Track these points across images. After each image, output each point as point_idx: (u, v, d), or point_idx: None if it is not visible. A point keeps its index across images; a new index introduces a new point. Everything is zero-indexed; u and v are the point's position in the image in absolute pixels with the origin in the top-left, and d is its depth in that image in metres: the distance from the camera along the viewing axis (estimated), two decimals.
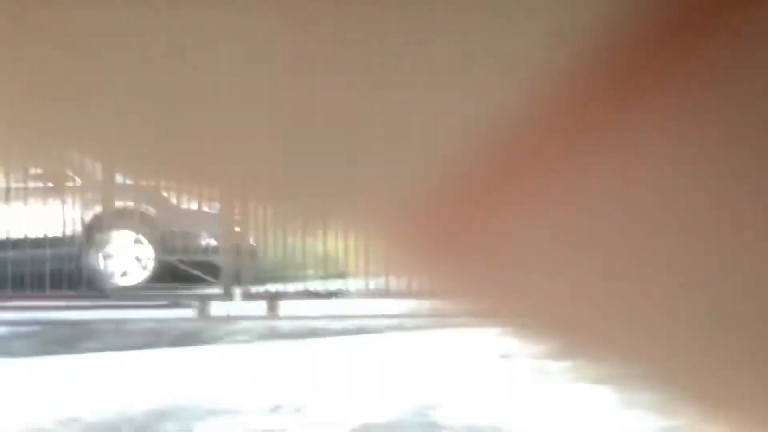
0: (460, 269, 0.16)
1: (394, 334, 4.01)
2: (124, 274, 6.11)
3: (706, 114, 0.14)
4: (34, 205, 5.07)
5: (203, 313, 4.75)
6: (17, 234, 5.01)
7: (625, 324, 0.16)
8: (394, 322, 4.28)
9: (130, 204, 5.36)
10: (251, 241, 4.96)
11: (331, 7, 0.13)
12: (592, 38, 0.13)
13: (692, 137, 0.14)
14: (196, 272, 4.99)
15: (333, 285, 4.92)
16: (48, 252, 4.96)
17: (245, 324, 4.40)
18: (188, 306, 4.83)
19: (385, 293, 4.81)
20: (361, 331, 4.11)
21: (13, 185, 5.08)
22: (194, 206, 5.38)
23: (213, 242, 5.37)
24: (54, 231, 5.10)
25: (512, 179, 0.15)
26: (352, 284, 4.84)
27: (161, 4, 0.13)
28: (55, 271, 4.97)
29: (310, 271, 4.96)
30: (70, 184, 5.51)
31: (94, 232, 5.44)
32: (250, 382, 2.82)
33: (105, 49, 0.14)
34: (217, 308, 4.74)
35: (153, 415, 2.67)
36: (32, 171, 5.36)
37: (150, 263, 5.70)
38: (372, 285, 4.80)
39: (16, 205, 5.08)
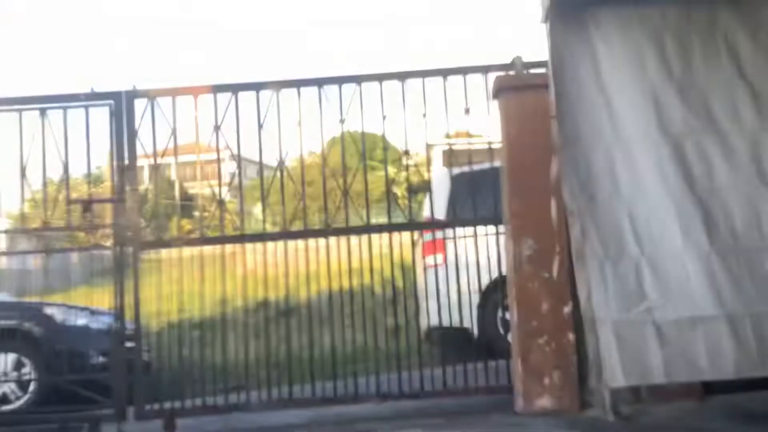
0: None
1: None
2: (4, 398, 5.69)
3: None
4: None
5: None
6: None
7: None
8: None
9: (12, 323, 5.06)
10: (144, 356, 4.74)
11: None
12: None
13: None
14: (84, 392, 4.68)
15: (233, 397, 4.73)
16: None
17: None
18: (77, 429, 4.51)
19: (288, 403, 4.67)
20: None
21: None
22: (81, 322, 5.15)
23: (102, 359, 5.11)
24: None
25: None
26: (254, 395, 4.67)
27: None
28: None
29: (209, 385, 4.77)
30: None
31: None
32: None
33: None
34: (109, 430, 4.45)
35: None
36: None
37: (33, 385, 5.35)
38: (275, 395, 4.65)
39: None
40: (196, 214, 5.56)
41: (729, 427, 3.61)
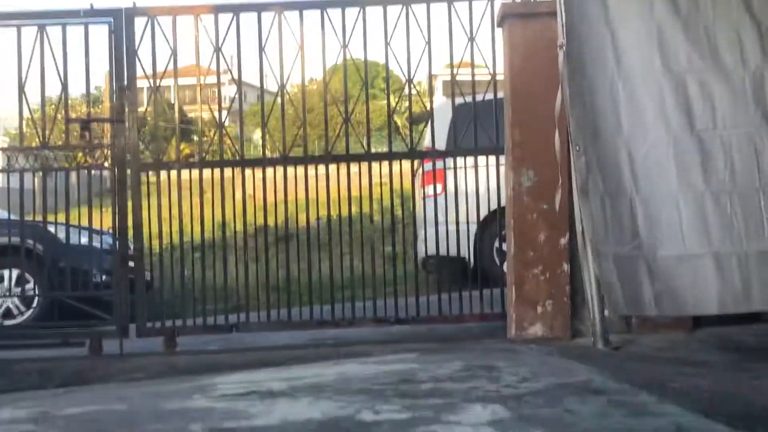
0: None
1: (296, 366, 3.96)
2: (8, 313, 5.78)
3: None
4: None
5: (95, 351, 4.55)
6: None
7: None
8: (297, 353, 4.25)
9: (15, 240, 5.09)
10: (146, 275, 4.80)
11: None
12: None
13: None
14: (86, 308, 4.76)
15: (233, 318, 4.83)
16: None
17: (140, 361, 4.25)
18: (79, 345, 4.61)
19: (286, 324, 4.77)
20: (263, 363, 4.04)
21: None
22: (84, 240, 5.18)
23: (105, 277, 5.16)
24: None
25: None
26: (253, 316, 4.76)
27: None
28: None
29: (209, 305, 4.86)
30: None
31: None
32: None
33: None
34: (110, 346, 4.55)
35: None
36: None
37: (36, 301, 5.42)
38: (274, 316, 4.75)
39: None
40: (195, 138, 5.53)
41: (715, 358, 3.71)
